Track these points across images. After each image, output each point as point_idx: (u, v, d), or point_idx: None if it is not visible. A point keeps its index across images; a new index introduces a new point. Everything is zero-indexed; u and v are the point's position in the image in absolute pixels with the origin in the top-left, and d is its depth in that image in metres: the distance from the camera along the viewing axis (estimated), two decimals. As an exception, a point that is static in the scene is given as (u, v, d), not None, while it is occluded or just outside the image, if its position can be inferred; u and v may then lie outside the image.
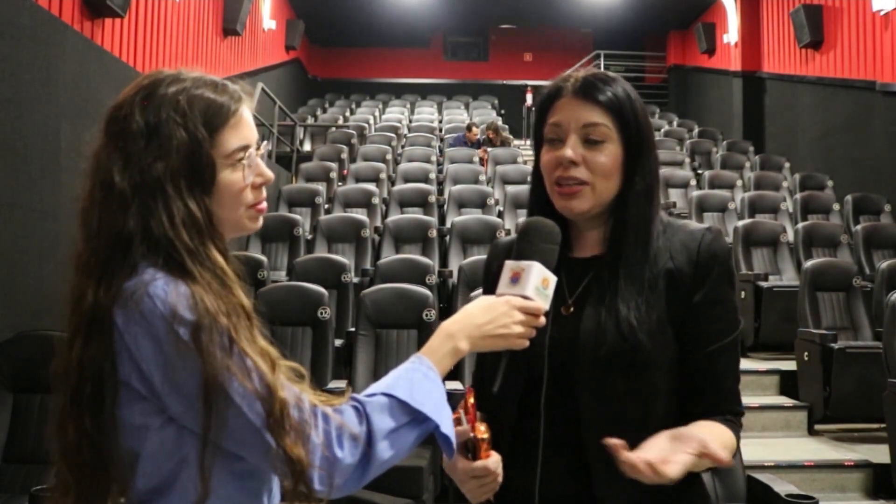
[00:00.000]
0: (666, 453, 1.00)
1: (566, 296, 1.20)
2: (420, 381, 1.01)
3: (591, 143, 1.15)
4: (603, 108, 1.15)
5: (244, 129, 1.04)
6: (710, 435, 1.07)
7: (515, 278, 1.10)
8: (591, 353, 1.12)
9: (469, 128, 9.52)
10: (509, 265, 1.12)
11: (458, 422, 1.11)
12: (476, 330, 1.07)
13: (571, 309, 1.18)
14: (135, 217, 0.96)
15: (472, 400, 1.12)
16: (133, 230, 0.95)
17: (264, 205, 1.07)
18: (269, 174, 1.07)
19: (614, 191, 1.16)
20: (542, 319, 1.09)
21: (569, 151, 1.14)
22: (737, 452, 1.17)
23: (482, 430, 1.10)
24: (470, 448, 1.11)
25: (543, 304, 1.09)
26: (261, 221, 1.08)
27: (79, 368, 0.94)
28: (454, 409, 1.13)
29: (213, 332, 0.92)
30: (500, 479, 1.12)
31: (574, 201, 1.16)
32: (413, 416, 0.99)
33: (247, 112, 1.05)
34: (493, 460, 1.11)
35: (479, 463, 1.10)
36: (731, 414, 1.17)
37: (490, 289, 1.15)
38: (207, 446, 0.93)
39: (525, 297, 1.08)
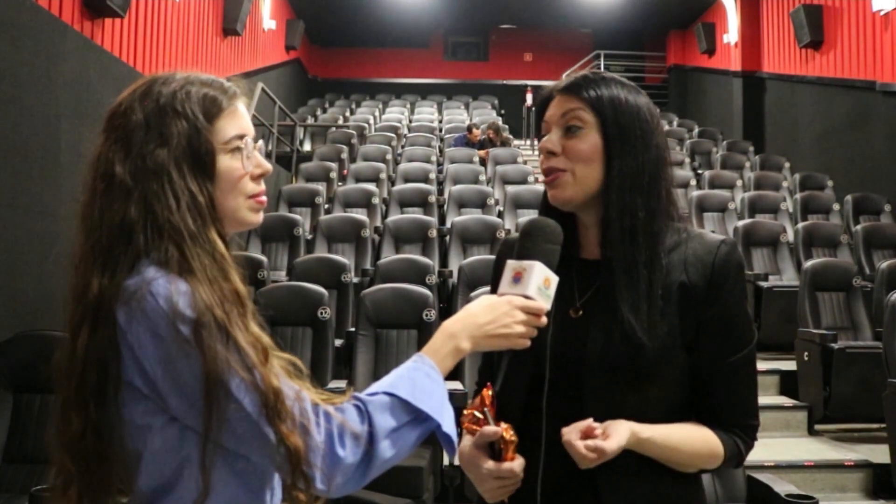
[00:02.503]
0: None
1: (575, 298, 1.20)
2: (422, 380, 1.02)
3: (570, 130, 1.17)
4: (581, 99, 1.17)
5: (240, 119, 1.06)
6: (678, 434, 1.12)
7: (517, 278, 1.10)
8: (599, 360, 1.12)
9: (470, 129, 9.52)
10: (511, 265, 1.12)
11: (474, 418, 1.11)
12: (478, 329, 1.07)
13: (580, 312, 1.18)
14: (137, 204, 0.97)
15: (490, 394, 1.12)
16: (135, 217, 0.97)
17: (264, 197, 1.08)
18: (268, 165, 1.08)
19: (598, 179, 1.16)
20: (544, 319, 1.09)
21: (547, 143, 1.17)
22: (732, 455, 1.17)
23: (511, 433, 1.10)
24: (497, 449, 1.11)
25: (545, 303, 1.09)
26: (261, 215, 1.09)
27: (84, 357, 0.95)
28: (463, 406, 1.13)
29: (212, 327, 0.92)
30: (520, 482, 1.12)
31: (556, 189, 1.17)
32: (415, 416, 0.99)
33: (242, 106, 1.08)
34: (519, 463, 1.11)
35: (506, 465, 1.10)
36: (742, 426, 1.17)
37: (497, 285, 1.15)
38: (208, 444, 0.93)
39: (527, 297, 1.08)
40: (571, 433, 1.07)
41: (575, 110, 1.17)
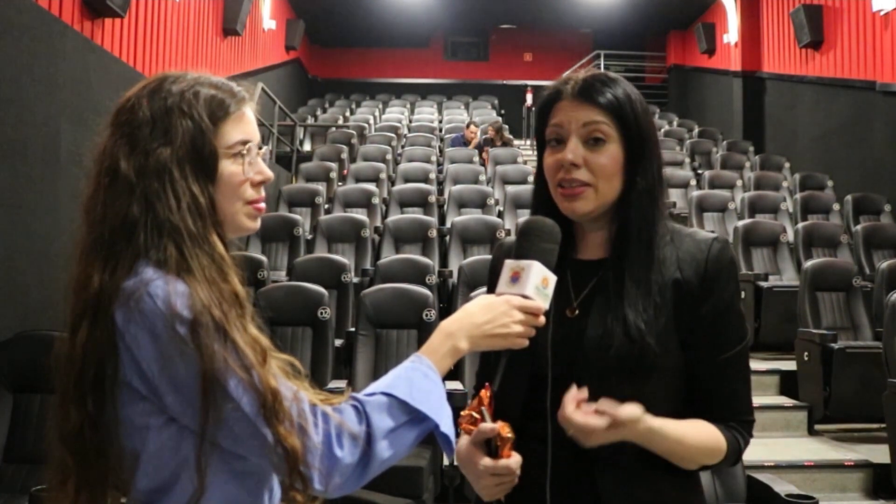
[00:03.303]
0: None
1: (571, 298, 1.20)
2: (419, 380, 1.02)
3: (592, 142, 1.15)
4: (603, 109, 1.15)
5: (246, 125, 1.06)
6: (685, 427, 1.11)
7: (515, 277, 1.10)
8: (597, 356, 1.12)
9: (467, 125, 9.50)
10: (509, 264, 1.12)
11: (472, 419, 1.11)
12: (476, 329, 1.07)
13: (577, 311, 1.18)
14: (139, 201, 0.98)
15: (488, 395, 1.12)
16: (138, 215, 0.97)
17: (263, 204, 1.09)
18: (269, 173, 1.08)
19: (617, 192, 1.16)
20: (542, 319, 1.09)
21: (569, 154, 1.15)
22: (734, 450, 1.17)
23: (507, 430, 1.10)
24: (493, 446, 1.11)
25: (543, 303, 1.09)
26: (259, 222, 1.09)
27: (83, 354, 0.95)
28: (462, 406, 1.13)
29: (209, 327, 0.92)
30: (516, 479, 1.12)
31: (577, 203, 1.16)
32: (412, 416, 0.99)
33: (249, 111, 1.08)
34: (515, 460, 1.11)
35: (502, 462, 1.09)
36: (740, 423, 1.17)
37: (494, 288, 1.15)
38: (204, 442, 0.93)
39: (525, 297, 1.08)
40: (567, 406, 1.05)
41: (598, 123, 1.15)
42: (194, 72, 1.07)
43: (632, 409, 1.05)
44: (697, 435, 1.13)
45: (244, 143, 1.05)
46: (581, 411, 1.04)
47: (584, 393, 1.06)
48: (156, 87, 1.03)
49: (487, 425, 1.09)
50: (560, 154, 1.16)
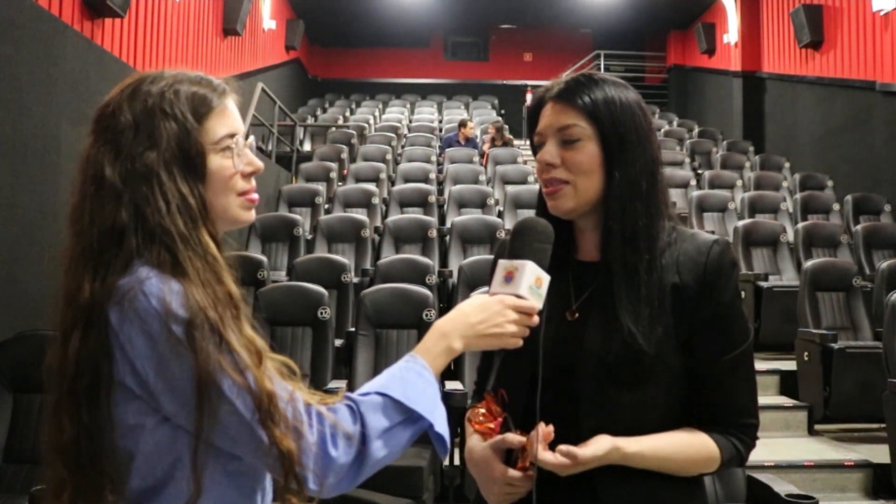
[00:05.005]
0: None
1: (572, 300, 1.20)
2: (414, 380, 1.02)
3: (567, 143, 1.17)
4: (577, 111, 1.17)
5: (230, 118, 1.05)
6: (669, 445, 1.11)
7: (509, 277, 1.10)
8: (595, 362, 1.12)
9: (464, 123, 9.38)
10: (503, 264, 1.12)
11: (488, 419, 1.11)
12: (470, 329, 1.07)
13: (576, 315, 1.18)
14: (127, 207, 0.96)
15: (502, 399, 1.12)
16: (126, 221, 0.96)
17: (255, 195, 1.08)
18: (259, 163, 1.08)
19: (598, 188, 1.17)
20: (536, 318, 1.09)
21: (546, 155, 1.17)
22: (731, 457, 1.17)
23: (529, 443, 1.10)
24: (515, 456, 1.11)
25: (537, 303, 1.09)
26: (253, 213, 1.08)
27: (76, 362, 0.94)
28: (462, 406, 1.13)
29: (205, 328, 0.92)
30: (525, 492, 1.13)
31: (558, 201, 1.18)
32: (407, 416, 0.99)
33: (231, 103, 1.07)
34: (531, 474, 1.11)
35: (529, 472, 1.10)
36: (740, 426, 1.17)
37: None
38: (200, 444, 0.93)
39: (518, 297, 1.08)
40: (536, 447, 1.07)
41: (571, 126, 1.16)
42: (171, 69, 1.06)
43: (596, 447, 1.07)
44: (684, 449, 1.13)
45: (231, 136, 1.04)
46: (550, 452, 1.07)
47: (551, 429, 1.08)
48: (134, 89, 1.02)
49: (516, 438, 1.10)
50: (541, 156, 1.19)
